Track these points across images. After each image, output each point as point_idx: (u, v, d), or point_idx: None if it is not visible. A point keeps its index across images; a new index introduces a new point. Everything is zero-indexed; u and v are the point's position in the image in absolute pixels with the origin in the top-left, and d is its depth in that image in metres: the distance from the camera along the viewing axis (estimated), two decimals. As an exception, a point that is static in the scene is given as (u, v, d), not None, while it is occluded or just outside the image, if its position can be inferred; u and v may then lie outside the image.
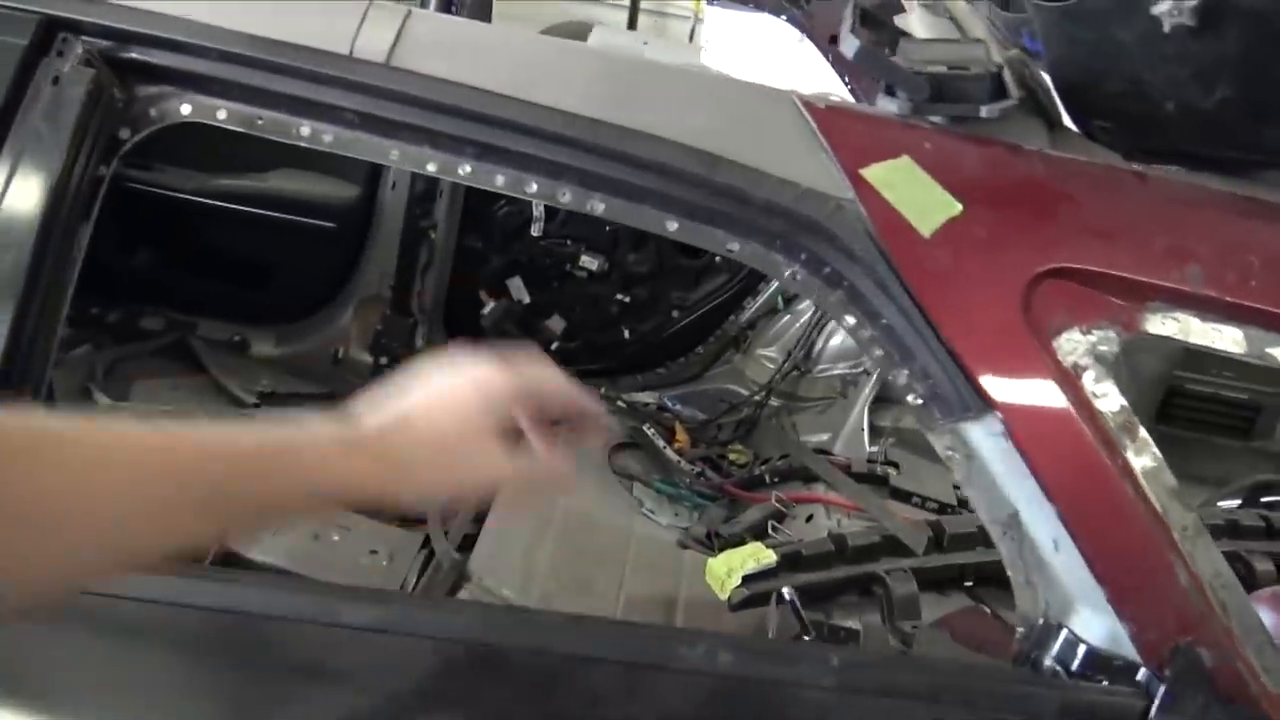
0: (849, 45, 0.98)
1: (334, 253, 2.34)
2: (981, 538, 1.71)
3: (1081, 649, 0.91)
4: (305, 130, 0.96)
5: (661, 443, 2.19)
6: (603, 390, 2.32)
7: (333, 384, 2.37)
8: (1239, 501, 2.10)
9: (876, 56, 1.00)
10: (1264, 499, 2.08)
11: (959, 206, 0.93)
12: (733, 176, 0.93)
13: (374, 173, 2.27)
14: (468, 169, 0.96)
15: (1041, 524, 0.93)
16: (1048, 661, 0.92)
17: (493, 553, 1.68)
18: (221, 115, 0.97)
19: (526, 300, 2.39)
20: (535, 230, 2.31)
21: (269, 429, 0.71)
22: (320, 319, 2.40)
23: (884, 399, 2.14)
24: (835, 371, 2.23)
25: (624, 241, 2.31)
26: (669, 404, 2.38)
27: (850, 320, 0.99)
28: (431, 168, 0.96)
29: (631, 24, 7.58)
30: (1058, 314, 0.91)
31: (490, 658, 0.83)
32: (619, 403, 2.29)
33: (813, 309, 2.26)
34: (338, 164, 2.08)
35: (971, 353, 0.90)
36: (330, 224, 2.29)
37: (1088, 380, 0.93)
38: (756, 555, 1.59)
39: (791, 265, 0.98)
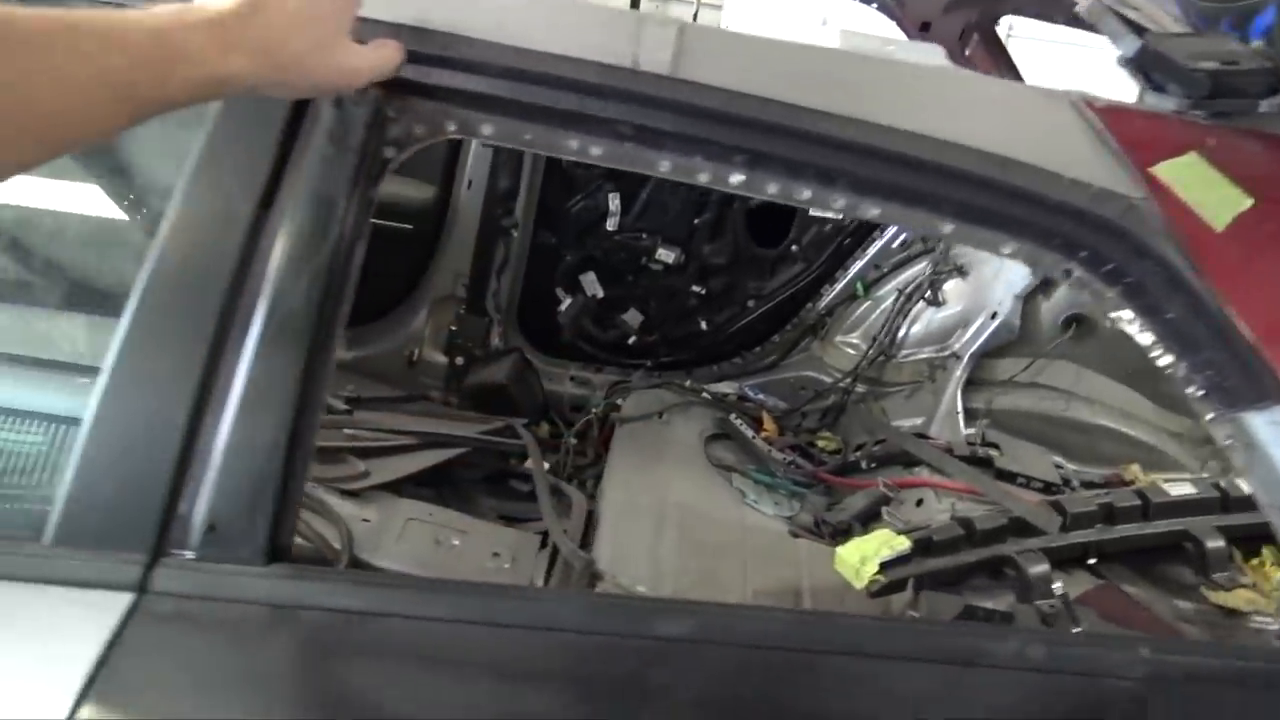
0: (1128, 44, 0.99)
1: (409, 254, 2.32)
2: (1102, 515, 1.73)
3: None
4: (573, 144, 0.96)
5: (750, 432, 2.20)
6: (687, 383, 2.33)
7: (408, 386, 2.37)
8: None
9: (1159, 55, 1.01)
10: None
11: (1249, 200, 0.94)
12: (1024, 178, 0.94)
13: (449, 172, 2.26)
14: (740, 178, 0.96)
15: None
16: None
17: (617, 549, 1.68)
18: (487, 131, 0.96)
19: (601, 295, 2.38)
20: (611, 225, 2.30)
21: (146, 26, 0.75)
22: (394, 321, 2.39)
23: (975, 381, 2.15)
24: (921, 356, 2.24)
25: (700, 233, 2.31)
26: (750, 393, 2.39)
27: (1127, 315, 1.00)
28: (703, 178, 0.96)
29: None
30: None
31: (801, 662, 0.84)
32: (703, 394, 2.29)
33: (895, 294, 2.28)
34: (412, 165, 2.08)
35: (1267, 341, 0.91)
36: (407, 225, 2.28)
37: None
38: (890, 542, 1.59)
39: (1068, 263, 0.99)
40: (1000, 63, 2.03)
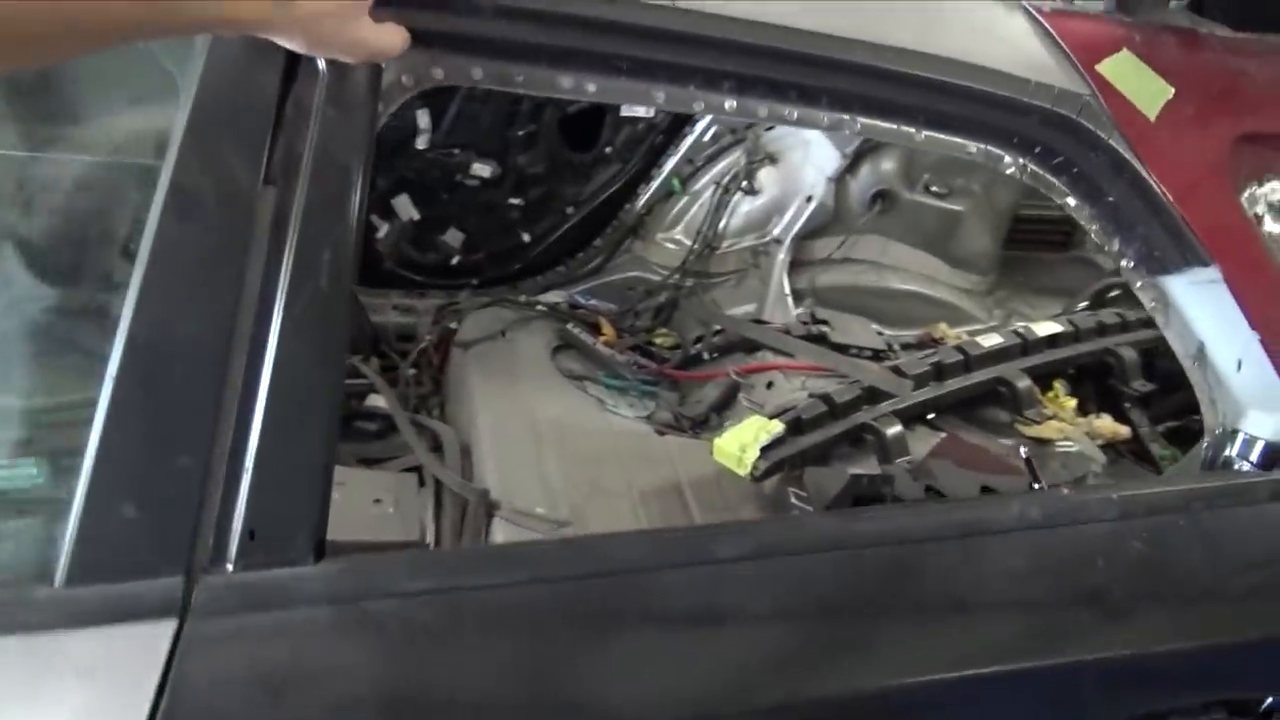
0: None
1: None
2: (934, 373, 1.91)
3: (1260, 444, 1.11)
4: (567, 83, 0.90)
5: (591, 340, 2.22)
6: (521, 298, 2.31)
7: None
8: (1086, 304, 2.44)
9: None
10: (1108, 297, 2.43)
11: (1171, 90, 1.04)
12: (995, 84, 0.98)
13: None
14: (732, 103, 0.94)
15: (1224, 350, 1.09)
16: (1233, 456, 1.11)
17: (503, 476, 1.68)
18: (477, 74, 0.88)
19: (417, 217, 2.30)
20: (421, 143, 2.21)
21: None
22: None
23: (796, 262, 2.27)
24: (744, 244, 2.33)
25: (515, 144, 2.26)
26: (580, 300, 2.40)
27: (1072, 202, 1.08)
28: (698, 106, 0.93)
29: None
30: (1243, 173, 1.05)
31: (848, 560, 0.89)
32: (538, 307, 2.29)
33: (712, 187, 2.34)
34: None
35: (1192, 214, 1.02)
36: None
37: (1268, 224, 1.08)
38: (765, 428, 1.69)
39: (1022, 158, 1.06)
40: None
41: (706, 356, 2.14)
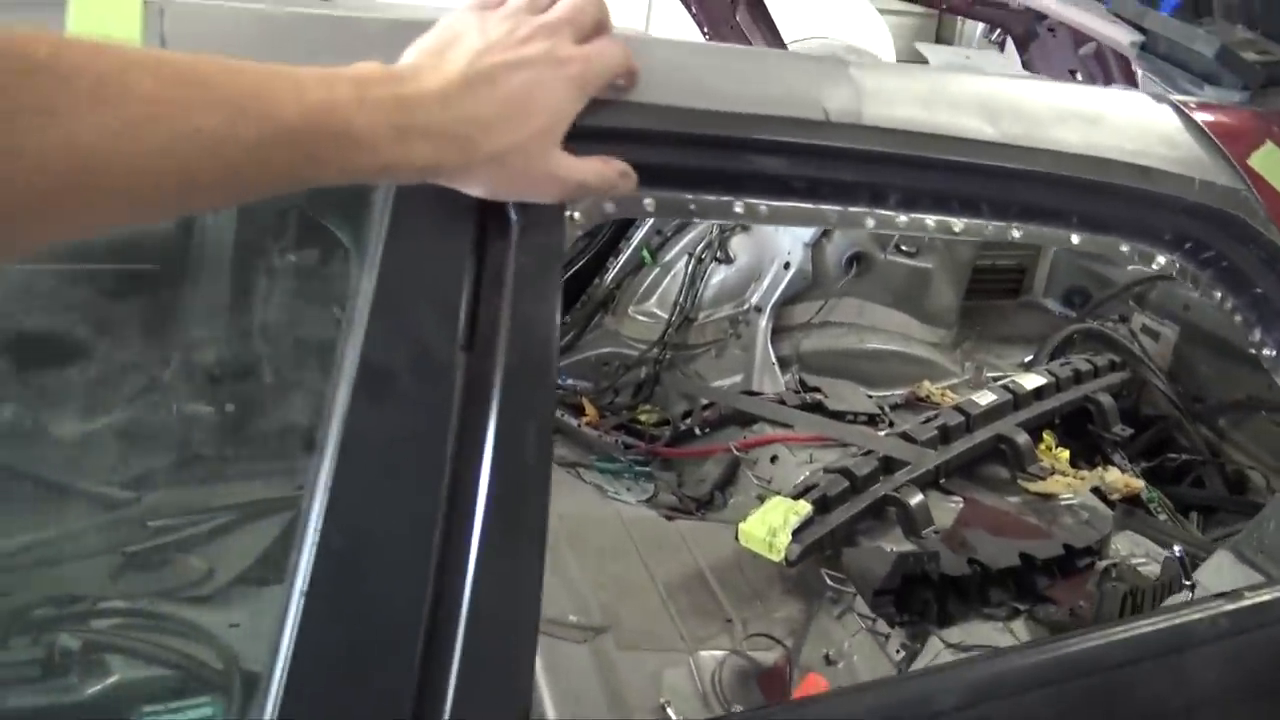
0: (1209, 44, 1.05)
1: None
2: (940, 436, 1.89)
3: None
4: (739, 208, 0.82)
5: (574, 421, 2.14)
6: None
7: None
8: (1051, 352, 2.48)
9: (1235, 55, 1.09)
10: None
11: None
12: (1163, 184, 0.95)
13: None
14: (903, 219, 0.89)
15: None
16: None
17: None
18: (649, 205, 0.79)
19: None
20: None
21: (316, 94, 0.64)
22: None
23: (776, 329, 2.24)
24: (721, 314, 2.29)
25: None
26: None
27: (1218, 295, 1.06)
28: (870, 223, 0.87)
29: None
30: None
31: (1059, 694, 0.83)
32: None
33: (685, 258, 2.30)
34: None
35: None
36: None
37: None
38: (793, 510, 1.64)
39: (1172, 255, 1.03)
40: (763, 23, 2.10)
41: (698, 432, 2.08)
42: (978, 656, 1.11)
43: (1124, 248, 1.04)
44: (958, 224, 0.92)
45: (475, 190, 0.74)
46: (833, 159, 0.85)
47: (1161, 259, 1.04)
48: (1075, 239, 0.99)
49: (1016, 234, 0.96)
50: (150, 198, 0.60)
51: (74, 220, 0.59)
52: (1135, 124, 1.05)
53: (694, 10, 1.98)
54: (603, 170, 0.78)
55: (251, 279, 1.51)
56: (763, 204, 0.84)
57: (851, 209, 0.88)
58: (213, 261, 1.52)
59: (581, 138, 0.74)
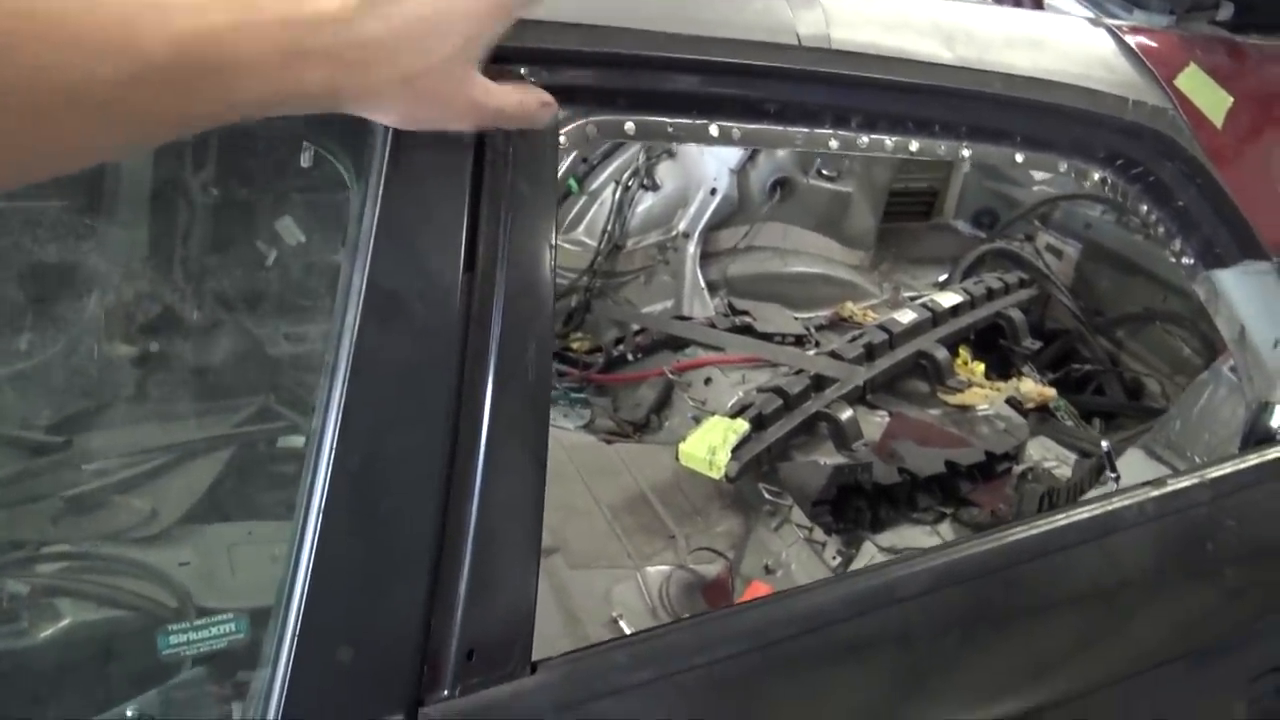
0: None
1: None
2: (866, 354, 1.96)
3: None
4: (714, 131, 0.83)
5: (508, 351, 2.15)
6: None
7: None
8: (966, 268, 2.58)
9: None
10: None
11: (1231, 99, 1.09)
12: (1101, 104, 0.99)
13: None
14: (863, 140, 0.90)
15: (1263, 332, 1.16)
16: (1272, 426, 1.18)
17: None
18: (629, 129, 0.79)
19: (303, 239, 2.14)
20: (306, 160, 2.05)
21: (185, 22, 0.58)
22: None
23: (704, 255, 2.28)
24: (650, 240, 2.31)
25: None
26: (488, 311, 2.32)
27: (1144, 208, 1.12)
28: (834, 145, 0.89)
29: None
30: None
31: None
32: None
33: (612, 186, 2.31)
34: None
35: (1254, 212, 1.08)
36: None
37: None
38: (732, 428, 1.69)
39: (1104, 171, 1.08)
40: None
41: (631, 358, 2.12)
42: (936, 548, 1.19)
43: (1062, 165, 1.10)
44: (914, 144, 0.97)
45: (384, 118, 0.71)
46: (803, 82, 0.88)
47: (1095, 175, 1.11)
48: (1019, 157, 1.05)
49: (966, 152, 1.01)
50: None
51: None
52: (1077, 47, 1.10)
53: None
54: (523, 99, 0.75)
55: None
56: (736, 127, 0.87)
57: (817, 131, 0.91)
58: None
59: (576, 64, 0.75)
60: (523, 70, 0.76)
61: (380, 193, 0.70)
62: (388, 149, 0.71)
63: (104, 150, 0.65)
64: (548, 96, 0.77)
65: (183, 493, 1.57)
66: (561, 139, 0.78)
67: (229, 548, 1.50)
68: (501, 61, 0.74)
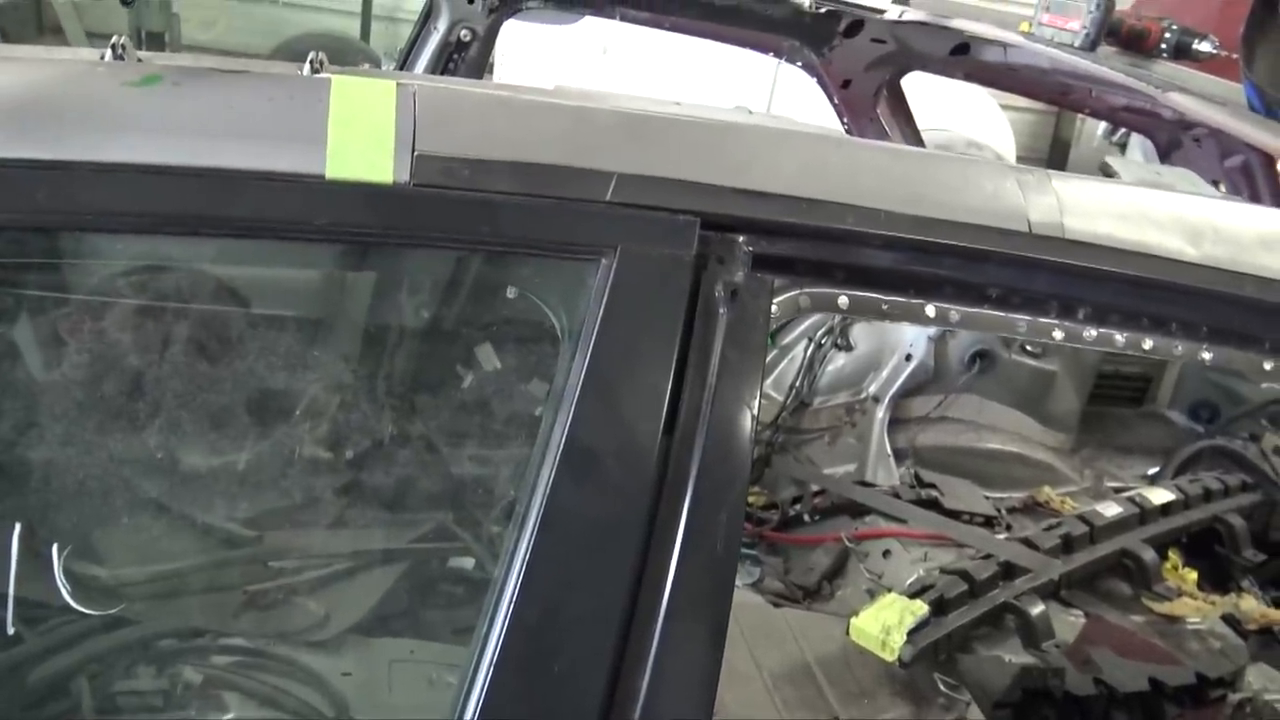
0: None
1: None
2: (1063, 546, 1.83)
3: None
4: (930, 312, 0.84)
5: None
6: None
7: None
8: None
9: None
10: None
11: None
12: None
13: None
14: (1092, 334, 0.89)
15: None
16: None
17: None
18: (843, 303, 0.81)
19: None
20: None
21: None
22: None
23: (894, 421, 2.21)
24: (838, 401, 2.27)
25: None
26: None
27: None
28: (1058, 336, 0.88)
29: (364, 33, 7.23)
30: None
31: None
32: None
33: (805, 343, 2.29)
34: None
35: None
36: None
37: None
38: (910, 609, 1.59)
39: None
40: (902, 116, 2.12)
41: (807, 519, 2.06)
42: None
43: (1267, 365, 0.99)
44: (1147, 342, 0.90)
45: None
46: (1031, 270, 0.85)
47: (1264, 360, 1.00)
48: (1269, 365, 0.96)
49: (1207, 356, 0.94)
50: None
51: None
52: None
53: (835, 101, 2.01)
54: None
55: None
56: (954, 310, 0.84)
57: (1041, 320, 0.87)
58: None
59: (795, 236, 0.74)
60: (742, 239, 0.76)
61: (590, 348, 0.71)
62: (604, 305, 0.72)
63: None
64: None
65: (356, 601, 1.60)
66: (774, 309, 0.77)
67: (390, 663, 1.52)
68: (722, 229, 0.75)
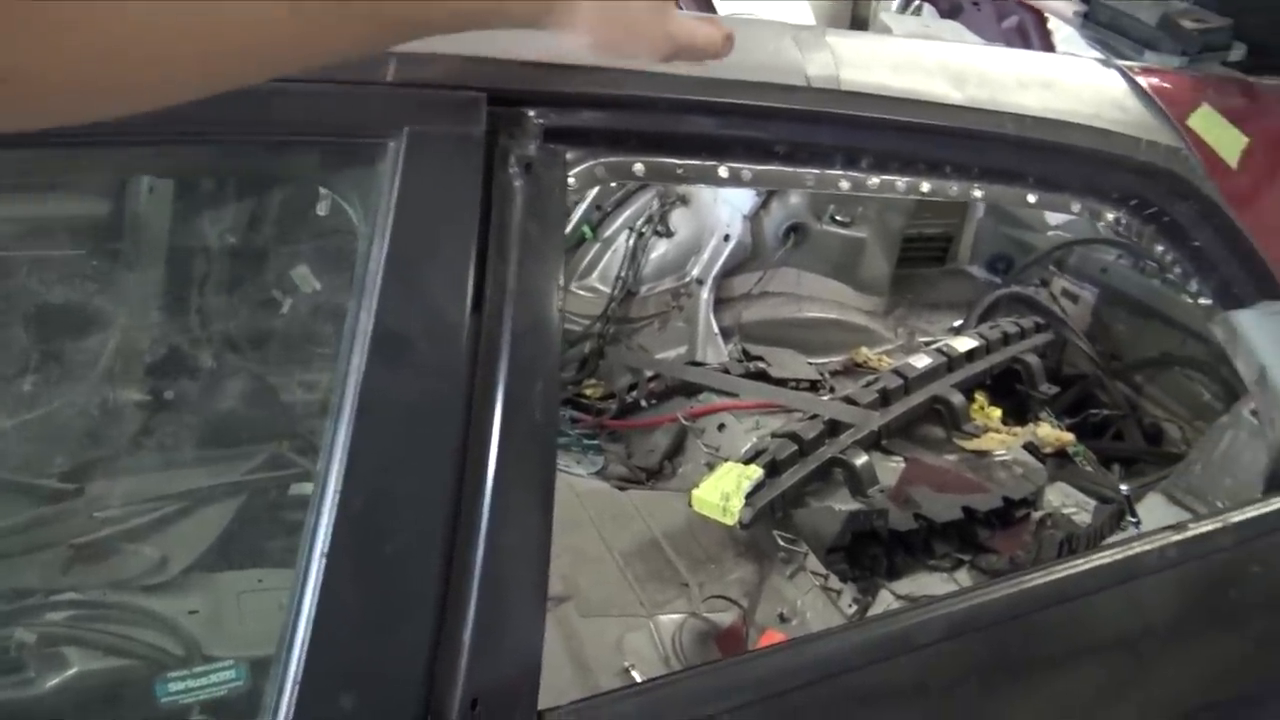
0: (1151, 12, 1.10)
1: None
2: (881, 399, 1.95)
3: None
4: (723, 172, 0.83)
5: (521, 398, 2.15)
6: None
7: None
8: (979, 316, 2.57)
9: (1175, 23, 1.14)
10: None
11: (1246, 139, 1.09)
12: (1114, 145, 0.99)
13: None
14: (875, 181, 0.91)
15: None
16: None
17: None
18: (639, 170, 0.79)
19: (318, 288, 2.16)
20: (323, 209, 2.08)
21: None
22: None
23: (717, 300, 2.28)
24: (663, 287, 2.31)
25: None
26: (500, 358, 2.32)
27: (1159, 249, 1.11)
28: (844, 185, 0.89)
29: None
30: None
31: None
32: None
33: (625, 232, 2.31)
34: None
35: (1271, 251, 1.07)
36: None
37: None
38: (745, 474, 1.67)
39: (1118, 212, 1.08)
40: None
41: (644, 404, 2.11)
42: (954, 595, 1.17)
43: (1075, 206, 1.09)
44: (925, 185, 0.96)
45: (579, 39, 0.68)
46: (813, 123, 0.88)
47: (1109, 216, 1.10)
48: (1032, 198, 1.04)
49: (978, 193, 1.01)
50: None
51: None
52: (1088, 88, 1.10)
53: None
54: (710, 32, 0.73)
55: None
56: (746, 168, 0.87)
57: (828, 172, 0.91)
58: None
59: (585, 106, 0.75)
60: (532, 112, 0.76)
61: (388, 233, 0.71)
62: (395, 190, 0.71)
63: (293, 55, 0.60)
64: (729, 29, 0.75)
65: (193, 540, 1.56)
66: (570, 180, 0.78)
67: (238, 595, 1.49)
68: (511, 104, 0.74)
